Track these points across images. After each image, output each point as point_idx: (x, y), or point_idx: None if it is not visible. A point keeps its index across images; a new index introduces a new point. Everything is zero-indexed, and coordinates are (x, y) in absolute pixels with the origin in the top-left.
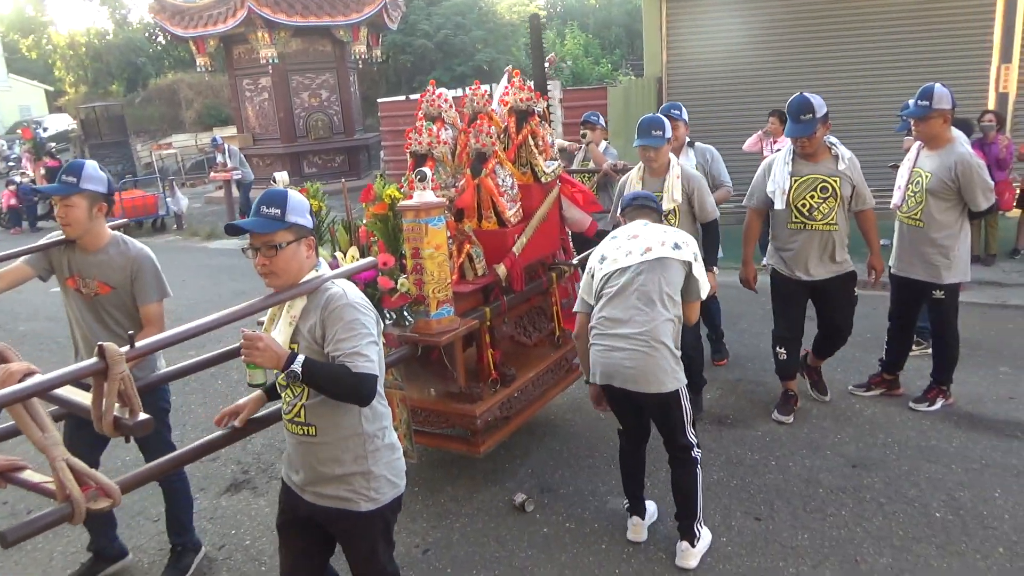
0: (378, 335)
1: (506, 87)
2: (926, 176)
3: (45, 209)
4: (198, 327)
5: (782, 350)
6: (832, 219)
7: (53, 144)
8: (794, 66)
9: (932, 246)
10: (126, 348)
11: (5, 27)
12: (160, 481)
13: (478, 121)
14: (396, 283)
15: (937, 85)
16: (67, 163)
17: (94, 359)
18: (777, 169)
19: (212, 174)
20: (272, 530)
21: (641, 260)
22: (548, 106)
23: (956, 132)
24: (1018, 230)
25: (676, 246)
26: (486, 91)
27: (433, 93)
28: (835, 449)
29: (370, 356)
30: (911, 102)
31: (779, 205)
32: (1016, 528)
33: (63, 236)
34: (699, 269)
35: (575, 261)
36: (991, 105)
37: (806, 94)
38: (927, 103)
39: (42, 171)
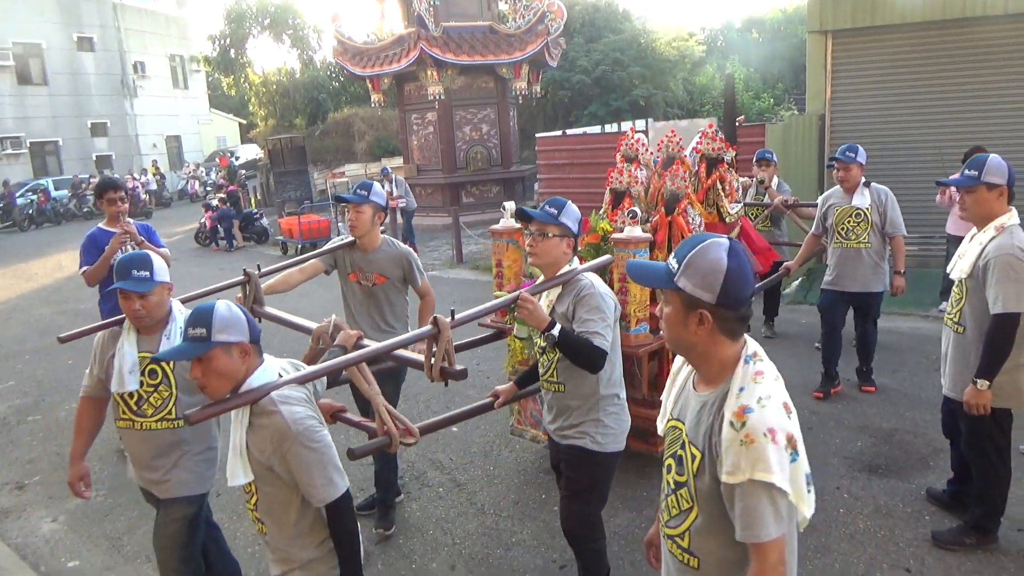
0: (615, 319)
1: (699, 139)
2: None
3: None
4: (492, 306)
5: None
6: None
7: (244, 171)
8: (967, 104)
9: None
10: (448, 318)
11: (211, 67)
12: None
13: (674, 166)
14: None
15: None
16: (360, 181)
17: (429, 326)
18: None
19: None
20: (422, 531)
21: None
22: (736, 155)
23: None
24: None
25: None
26: (680, 139)
27: (632, 138)
28: (1009, 506)
29: (606, 336)
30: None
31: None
32: None
33: (344, 240)
34: None
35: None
36: None
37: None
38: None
39: (219, 198)
